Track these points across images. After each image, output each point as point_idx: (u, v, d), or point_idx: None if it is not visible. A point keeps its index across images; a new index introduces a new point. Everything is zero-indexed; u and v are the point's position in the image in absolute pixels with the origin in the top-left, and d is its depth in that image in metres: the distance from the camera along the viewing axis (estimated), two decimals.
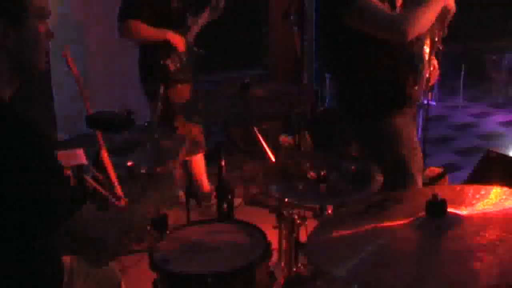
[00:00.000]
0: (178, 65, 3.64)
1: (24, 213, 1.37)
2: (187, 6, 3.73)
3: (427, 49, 2.46)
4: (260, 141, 2.59)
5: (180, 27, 3.69)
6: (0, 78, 1.48)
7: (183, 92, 3.66)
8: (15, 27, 1.45)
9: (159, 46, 3.58)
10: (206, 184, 3.90)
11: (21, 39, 1.47)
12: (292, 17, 4.35)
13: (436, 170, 3.78)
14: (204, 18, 3.79)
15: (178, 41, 3.62)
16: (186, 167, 3.78)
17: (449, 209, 1.39)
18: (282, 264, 2.49)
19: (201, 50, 3.82)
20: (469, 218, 1.39)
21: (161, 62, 3.60)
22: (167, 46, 3.59)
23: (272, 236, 2.22)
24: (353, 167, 2.22)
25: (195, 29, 3.76)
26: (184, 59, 3.68)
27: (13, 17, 1.44)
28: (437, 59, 2.62)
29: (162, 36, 3.59)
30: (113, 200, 2.81)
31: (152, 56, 3.64)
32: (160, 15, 3.58)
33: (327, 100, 5.24)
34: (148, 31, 3.57)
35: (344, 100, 2.64)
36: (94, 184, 3.48)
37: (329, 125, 4.69)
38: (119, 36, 3.59)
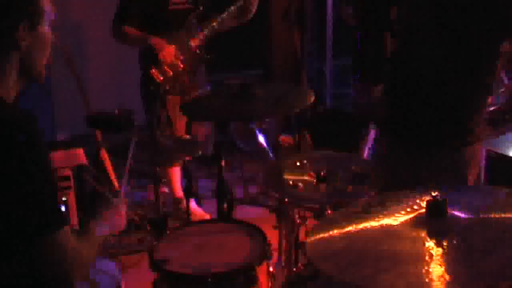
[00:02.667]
0: (162, 77, 3.42)
1: (8, 218, 1.36)
2: (195, 10, 3.54)
3: None
4: (260, 141, 2.60)
5: (181, 31, 3.51)
6: (8, 79, 1.49)
7: (175, 103, 3.48)
8: (30, 30, 1.47)
9: (149, 52, 3.42)
10: (178, 190, 3.85)
11: (34, 44, 1.49)
12: (292, 17, 4.33)
13: None
14: (220, 21, 3.52)
15: (162, 47, 3.39)
16: (185, 168, 3.75)
17: (449, 209, 1.39)
18: (282, 264, 2.49)
19: (208, 56, 3.61)
20: (469, 218, 1.39)
21: (150, 70, 3.42)
22: (155, 53, 3.40)
23: (272, 236, 2.22)
24: (353, 167, 2.22)
25: (205, 32, 3.52)
26: (172, 70, 3.43)
27: (30, 21, 1.46)
28: None
29: (146, 42, 3.42)
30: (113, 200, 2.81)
31: (146, 61, 3.52)
32: (155, 17, 3.46)
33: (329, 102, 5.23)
34: (132, 36, 3.45)
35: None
36: (94, 184, 3.48)
37: (330, 125, 4.69)
38: (112, 37, 3.55)
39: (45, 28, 1.51)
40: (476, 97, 2.19)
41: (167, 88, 3.48)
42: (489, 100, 2.25)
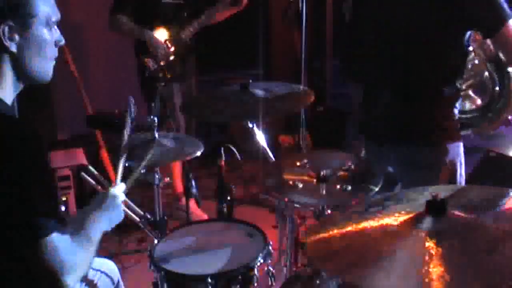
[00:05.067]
0: (155, 65, 3.56)
1: (4, 219, 1.36)
2: (187, 4, 3.67)
3: None
4: (260, 141, 2.59)
5: (173, 24, 3.64)
6: (3, 81, 1.48)
7: (168, 91, 3.64)
8: (20, 32, 1.45)
9: (142, 43, 3.57)
10: (179, 186, 3.90)
11: (27, 45, 1.47)
12: (291, 17, 4.33)
13: None
14: (211, 13, 3.67)
15: (154, 42, 3.55)
16: (185, 168, 3.76)
17: (449, 209, 1.39)
18: (282, 264, 2.49)
19: (196, 46, 3.76)
20: (469, 218, 1.39)
21: (142, 59, 3.57)
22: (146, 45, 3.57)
23: (272, 236, 2.22)
24: (353, 167, 2.22)
25: (195, 25, 3.66)
26: (163, 59, 3.58)
27: (19, 22, 1.44)
28: None
29: (141, 36, 3.57)
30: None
31: (138, 51, 3.64)
32: (148, 10, 3.58)
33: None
34: (128, 28, 3.58)
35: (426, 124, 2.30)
36: (94, 184, 3.48)
37: (330, 125, 4.69)
38: (108, 30, 3.65)
39: (41, 29, 1.49)
40: (440, 95, 2.25)
41: (159, 75, 3.55)
42: (459, 100, 2.30)
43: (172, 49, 3.61)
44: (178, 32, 3.64)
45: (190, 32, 3.66)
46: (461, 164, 2.34)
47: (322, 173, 2.14)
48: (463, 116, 2.43)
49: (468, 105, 2.44)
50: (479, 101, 2.42)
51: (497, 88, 2.36)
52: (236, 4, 3.68)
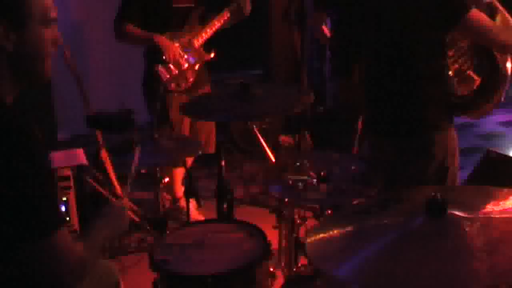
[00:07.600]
0: (168, 76, 3.43)
1: (6, 219, 1.36)
2: (197, 8, 3.56)
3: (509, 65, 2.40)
4: (260, 141, 2.59)
5: (184, 30, 3.53)
6: (1, 81, 1.47)
7: (178, 102, 3.44)
8: (16, 31, 1.44)
9: (154, 51, 3.43)
10: (179, 190, 3.85)
11: (23, 44, 1.46)
12: (292, 17, 4.33)
13: None
14: (220, 20, 3.57)
15: (166, 46, 3.39)
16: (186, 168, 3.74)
17: (449, 209, 1.39)
18: (282, 264, 2.49)
19: (210, 54, 3.61)
20: (469, 218, 1.39)
21: (154, 69, 3.43)
22: (160, 52, 3.41)
23: (272, 236, 2.22)
24: (353, 167, 2.22)
25: (207, 31, 3.56)
26: (177, 68, 3.46)
27: (14, 21, 1.43)
28: None
29: (150, 41, 3.41)
30: (113, 200, 2.80)
31: (150, 60, 3.52)
32: (158, 16, 3.46)
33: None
34: (135, 35, 3.44)
35: (409, 114, 2.39)
36: (94, 184, 3.48)
37: (330, 125, 4.69)
38: (115, 38, 3.55)
39: (38, 27, 1.48)
40: (424, 87, 2.34)
41: (173, 86, 3.48)
42: (443, 89, 2.37)
43: (185, 57, 3.49)
44: (191, 39, 3.52)
45: (203, 39, 3.55)
46: (453, 155, 2.39)
47: (322, 173, 2.14)
48: (459, 101, 2.46)
49: (464, 89, 2.47)
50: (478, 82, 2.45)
51: (486, 69, 2.41)
52: (238, 14, 3.59)
